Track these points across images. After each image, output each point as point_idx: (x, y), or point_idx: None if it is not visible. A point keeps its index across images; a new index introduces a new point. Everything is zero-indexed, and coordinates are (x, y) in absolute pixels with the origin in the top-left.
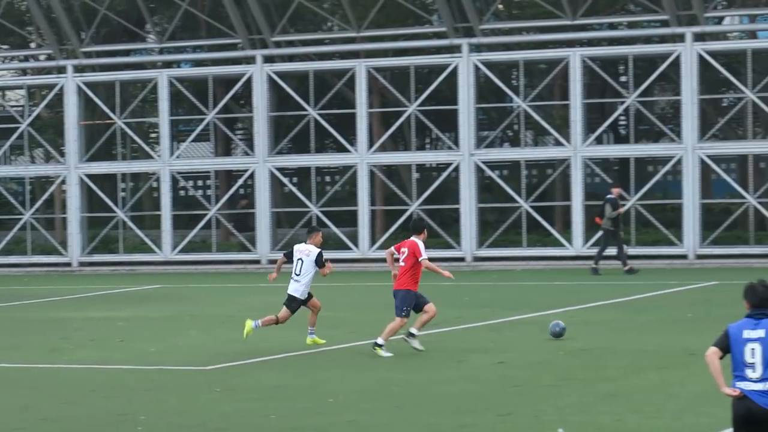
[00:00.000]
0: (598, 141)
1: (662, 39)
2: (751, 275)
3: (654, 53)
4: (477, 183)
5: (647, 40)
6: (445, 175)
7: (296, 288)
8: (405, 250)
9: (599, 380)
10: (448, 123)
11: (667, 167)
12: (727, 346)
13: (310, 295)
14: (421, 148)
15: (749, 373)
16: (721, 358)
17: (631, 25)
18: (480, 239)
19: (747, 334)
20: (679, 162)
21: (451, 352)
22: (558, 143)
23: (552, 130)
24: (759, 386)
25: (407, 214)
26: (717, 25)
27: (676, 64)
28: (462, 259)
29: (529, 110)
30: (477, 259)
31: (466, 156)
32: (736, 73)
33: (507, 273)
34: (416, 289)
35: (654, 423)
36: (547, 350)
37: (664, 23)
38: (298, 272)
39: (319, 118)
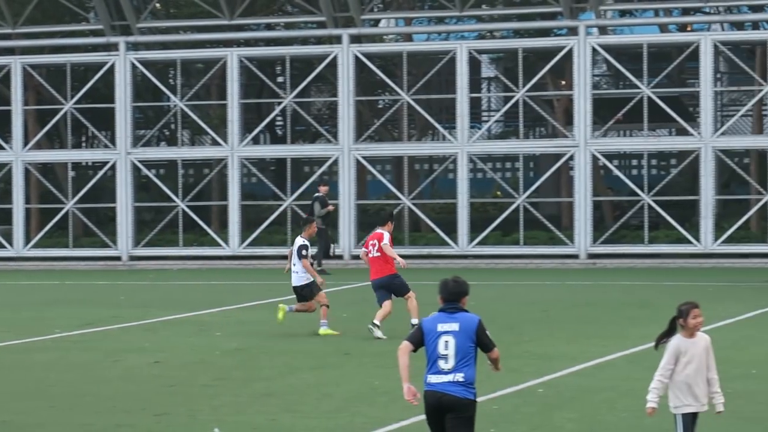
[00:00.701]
0: (255, 141)
1: (319, 40)
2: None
3: (311, 54)
4: (133, 182)
5: (304, 41)
6: (101, 173)
7: (296, 279)
8: (375, 242)
9: (255, 380)
10: (105, 121)
11: (324, 168)
12: (421, 340)
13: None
14: (77, 146)
15: (442, 364)
16: (414, 351)
17: (289, 26)
18: (136, 238)
19: (441, 327)
20: (335, 163)
21: (106, 352)
22: (215, 143)
23: (209, 130)
24: (450, 377)
25: (63, 212)
26: (373, 27)
27: (332, 65)
28: (118, 258)
29: (186, 109)
30: (133, 258)
31: (123, 155)
32: (392, 75)
33: (163, 272)
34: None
35: (309, 422)
36: (203, 350)
37: (322, 25)
38: (294, 263)
39: None
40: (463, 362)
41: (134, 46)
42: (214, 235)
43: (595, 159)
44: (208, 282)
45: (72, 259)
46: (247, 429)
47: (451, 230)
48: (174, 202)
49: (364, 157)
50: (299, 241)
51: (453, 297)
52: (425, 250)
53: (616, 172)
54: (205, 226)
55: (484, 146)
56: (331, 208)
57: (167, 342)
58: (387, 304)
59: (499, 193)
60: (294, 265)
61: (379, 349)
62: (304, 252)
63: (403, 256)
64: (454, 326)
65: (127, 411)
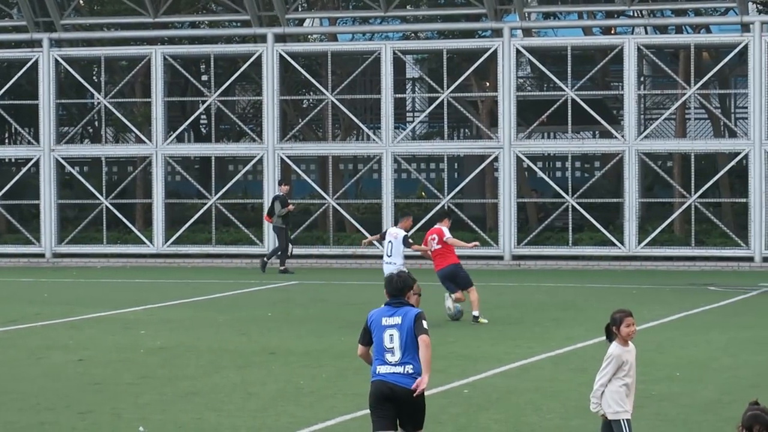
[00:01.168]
0: (180, 139)
1: (244, 39)
2: (329, 275)
3: (235, 53)
4: (57, 179)
5: (229, 39)
6: (24, 170)
7: (391, 269)
8: (435, 236)
9: (179, 378)
10: (29, 118)
11: (248, 167)
12: (370, 336)
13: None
14: (0, 142)
15: (389, 357)
16: (369, 347)
17: (213, 25)
18: (60, 236)
19: (385, 321)
20: (260, 162)
21: (30, 350)
22: (139, 140)
23: (133, 128)
24: (399, 369)
25: None
26: (298, 27)
27: (257, 64)
28: (42, 255)
29: (111, 107)
30: (57, 255)
31: (47, 151)
32: (317, 74)
33: (87, 270)
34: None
35: (234, 421)
36: (127, 348)
37: (246, 23)
38: (389, 254)
39: None
40: (410, 354)
41: (58, 43)
42: (138, 233)
43: (519, 161)
44: (132, 280)
45: None
46: (172, 428)
47: (376, 231)
48: (98, 199)
49: (288, 157)
50: (400, 232)
51: (397, 292)
52: (350, 251)
53: (541, 174)
54: (129, 224)
55: (408, 147)
56: (291, 207)
57: (91, 340)
58: (472, 291)
59: (423, 193)
60: (390, 256)
61: (304, 348)
62: (409, 240)
63: (327, 257)
64: (397, 320)
65: (51, 409)
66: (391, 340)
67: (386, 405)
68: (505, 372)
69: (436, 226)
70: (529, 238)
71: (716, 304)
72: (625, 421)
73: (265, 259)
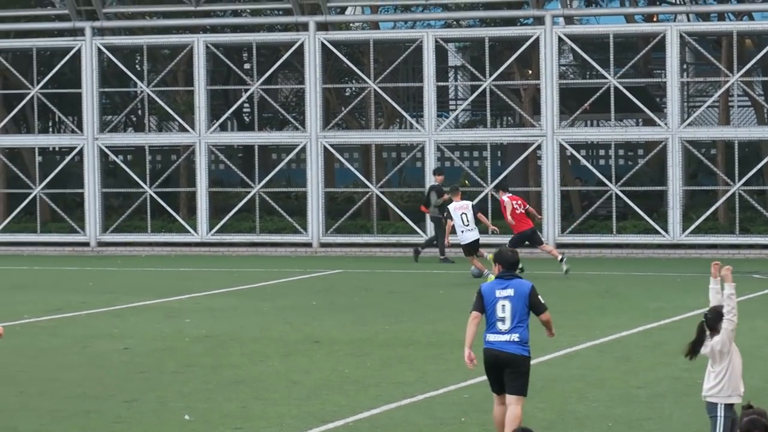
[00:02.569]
0: (223, 128)
1: (286, 27)
2: (373, 264)
3: (277, 41)
4: (101, 167)
5: (271, 28)
6: (68, 159)
7: (473, 234)
8: (520, 202)
9: (224, 367)
10: (72, 107)
11: (291, 155)
12: (483, 305)
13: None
14: (44, 131)
15: (500, 325)
16: (482, 314)
17: (255, 13)
18: (104, 224)
19: (498, 293)
20: (303, 150)
21: (75, 338)
22: (183, 129)
23: (176, 116)
24: (506, 337)
25: (30, 197)
26: (339, 15)
27: (299, 52)
28: (87, 244)
29: (154, 95)
30: (101, 244)
31: (90, 140)
32: (359, 63)
33: (132, 259)
34: None
35: (279, 410)
36: (172, 337)
37: (288, 12)
38: (467, 223)
39: None
40: (519, 324)
41: (100, 32)
42: (183, 222)
43: (562, 149)
44: (176, 268)
45: (40, 244)
46: (217, 416)
47: (420, 219)
48: (142, 188)
49: (331, 145)
50: (466, 202)
51: (510, 265)
52: (393, 239)
53: (584, 162)
54: (173, 213)
55: (451, 135)
56: (446, 197)
57: (136, 328)
58: (546, 246)
59: (467, 182)
60: (466, 225)
61: (348, 337)
62: (476, 208)
63: (371, 245)
64: (510, 291)
65: (96, 397)
66: (503, 310)
67: (494, 371)
68: (549, 361)
69: (514, 195)
70: (573, 227)
71: (761, 292)
72: (727, 406)
73: (419, 248)
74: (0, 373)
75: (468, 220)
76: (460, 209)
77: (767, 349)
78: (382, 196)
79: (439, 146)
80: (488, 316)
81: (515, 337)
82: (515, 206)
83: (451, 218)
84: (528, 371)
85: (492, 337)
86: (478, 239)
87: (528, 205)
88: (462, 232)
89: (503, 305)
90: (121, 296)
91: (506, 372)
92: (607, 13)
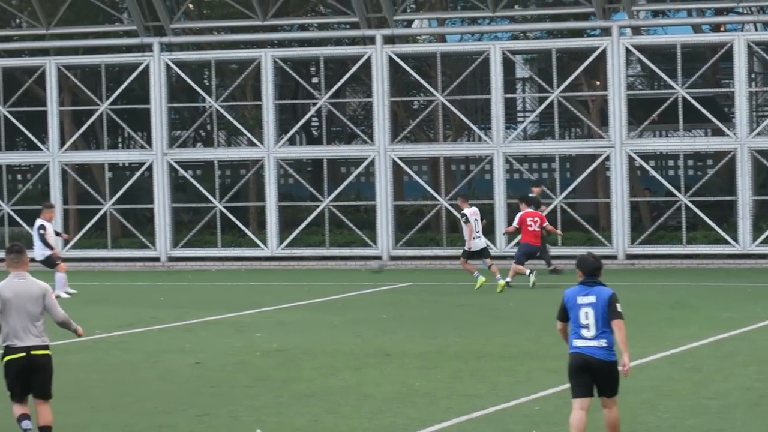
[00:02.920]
0: (291, 142)
1: (353, 41)
2: (443, 277)
3: (345, 55)
4: (170, 182)
5: (338, 41)
6: (138, 174)
7: (483, 241)
8: (537, 219)
9: (295, 381)
10: (141, 122)
11: (360, 169)
12: (566, 313)
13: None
14: (113, 147)
15: (584, 332)
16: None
17: (322, 27)
18: (175, 239)
19: (580, 300)
20: (371, 163)
21: (146, 353)
22: (251, 144)
23: (245, 131)
24: (594, 342)
25: (101, 213)
26: (407, 28)
27: (367, 66)
28: (157, 259)
29: (222, 110)
30: (172, 259)
31: (159, 155)
32: (426, 75)
33: (202, 273)
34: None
35: (350, 423)
36: (243, 351)
37: (355, 25)
38: (478, 229)
39: (9, 116)
40: (604, 329)
41: (168, 47)
42: (253, 236)
43: (631, 159)
44: (246, 283)
45: (111, 260)
46: (289, 430)
47: (489, 231)
48: (211, 203)
49: (400, 158)
50: (477, 210)
51: (592, 271)
52: None
53: (653, 172)
54: (243, 227)
55: (519, 147)
56: (545, 209)
57: (207, 343)
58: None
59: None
60: (478, 231)
61: (419, 350)
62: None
63: (440, 258)
64: (592, 299)
65: (169, 412)
66: (587, 317)
67: (583, 375)
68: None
69: (536, 211)
70: (642, 237)
71: None
72: None
73: (549, 268)
74: (72, 389)
75: (479, 227)
76: (474, 215)
77: None
78: (451, 209)
79: (507, 158)
80: (573, 323)
81: (603, 342)
82: (529, 223)
83: (469, 222)
84: (618, 374)
85: (579, 342)
86: (486, 246)
87: (546, 222)
88: (473, 238)
89: (586, 312)
90: (191, 311)
91: (598, 377)
92: (674, 23)
